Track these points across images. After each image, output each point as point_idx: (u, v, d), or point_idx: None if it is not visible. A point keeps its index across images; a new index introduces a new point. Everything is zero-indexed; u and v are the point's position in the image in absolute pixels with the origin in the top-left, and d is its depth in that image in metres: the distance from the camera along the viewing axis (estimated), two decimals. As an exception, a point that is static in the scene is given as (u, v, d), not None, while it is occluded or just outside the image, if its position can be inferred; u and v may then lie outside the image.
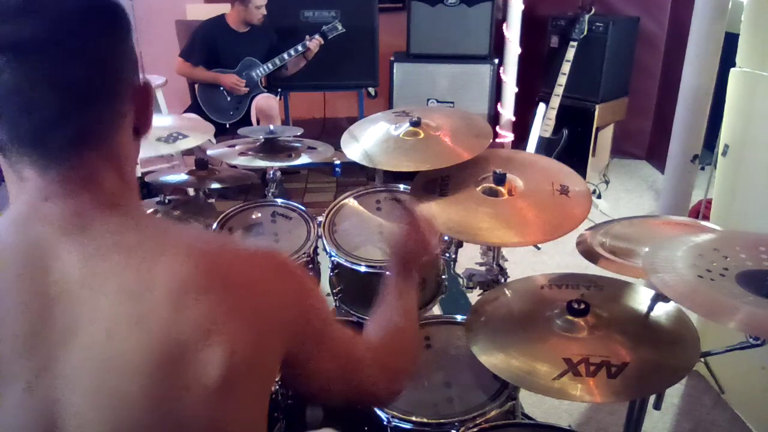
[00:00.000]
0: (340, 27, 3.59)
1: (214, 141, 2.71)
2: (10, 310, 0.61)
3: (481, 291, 1.55)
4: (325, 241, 1.72)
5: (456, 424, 1.21)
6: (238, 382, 0.64)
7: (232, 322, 0.64)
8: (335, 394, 0.86)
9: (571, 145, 3.70)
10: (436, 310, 1.80)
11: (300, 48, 3.55)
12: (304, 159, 2.01)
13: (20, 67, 0.61)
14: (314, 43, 3.54)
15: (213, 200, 2.03)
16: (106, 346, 0.61)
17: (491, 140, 1.57)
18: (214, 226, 1.83)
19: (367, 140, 1.66)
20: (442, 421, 1.23)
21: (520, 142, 3.86)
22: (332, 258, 1.70)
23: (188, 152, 3.50)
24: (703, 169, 3.09)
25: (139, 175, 3.28)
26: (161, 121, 2.04)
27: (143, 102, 0.72)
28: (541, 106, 3.77)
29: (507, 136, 3.84)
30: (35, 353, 0.60)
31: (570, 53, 3.58)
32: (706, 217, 2.32)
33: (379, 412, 1.26)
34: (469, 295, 1.72)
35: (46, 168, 0.64)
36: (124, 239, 0.65)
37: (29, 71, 0.61)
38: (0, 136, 0.63)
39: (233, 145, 2.07)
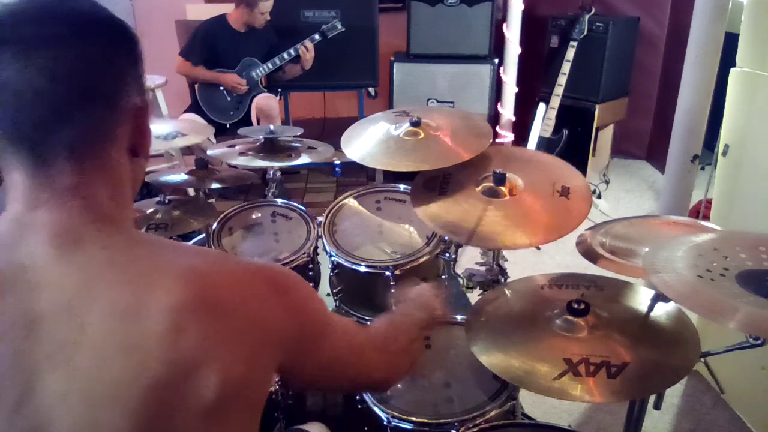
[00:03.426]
0: (339, 26, 3.59)
1: (214, 141, 2.71)
2: None
3: (481, 291, 1.55)
4: (325, 241, 1.72)
5: (456, 424, 1.21)
6: (232, 402, 0.63)
7: (225, 346, 0.63)
8: (339, 387, 0.91)
9: (571, 145, 3.70)
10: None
11: (292, 52, 3.53)
12: (304, 159, 2.01)
13: (28, 64, 0.61)
14: (306, 47, 3.51)
15: (213, 200, 2.03)
16: (94, 370, 0.59)
17: (491, 140, 1.57)
18: (214, 226, 1.83)
19: (367, 140, 1.66)
20: (442, 421, 1.23)
21: (520, 142, 3.86)
22: (332, 258, 1.70)
23: (188, 152, 3.51)
24: (703, 169, 3.08)
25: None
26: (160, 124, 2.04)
27: (140, 123, 0.71)
28: (541, 106, 3.77)
29: (507, 136, 3.85)
30: (21, 376, 0.59)
31: (570, 53, 3.58)
32: (706, 217, 2.32)
33: (379, 413, 1.26)
34: (469, 295, 1.72)
35: (37, 170, 0.64)
36: (116, 256, 0.64)
37: (35, 69, 0.61)
38: None
39: (233, 145, 2.07)
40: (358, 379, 0.91)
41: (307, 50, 3.51)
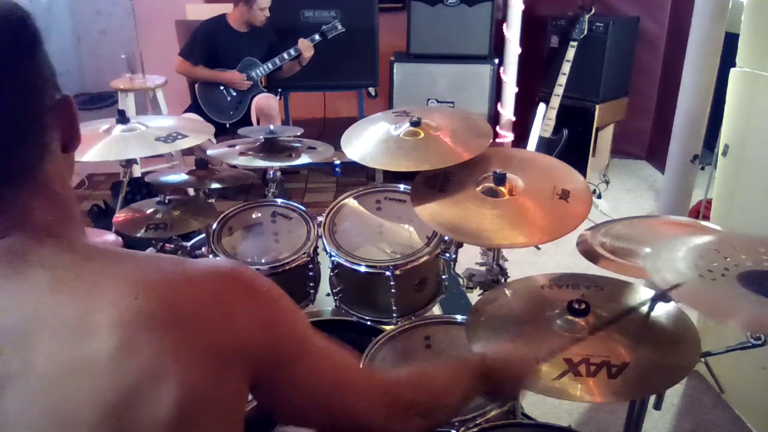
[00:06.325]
0: (339, 26, 3.59)
1: (214, 141, 2.71)
2: None
3: (482, 291, 1.55)
4: (325, 241, 1.72)
5: (456, 424, 1.21)
6: (198, 417, 0.60)
7: (182, 359, 0.58)
8: (319, 420, 0.76)
9: (571, 145, 3.70)
10: (436, 310, 1.80)
11: (292, 52, 3.54)
12: (304, 159, 2.01)
13: None
14: (305, 45, 3.52)
15: (213, 200, 2.03)
16: (45, 398, 0.56)
17: (491, 140, 1.57)
18: (214, 226, 1.83)
19: (367, 140, 1.66)
20: (442, 421, 1.23)
21: (520, 142, 3.86)
22: (332, 258, 1.70)
23: (188, 152, 3.51)
24: (703, 169, 3.09)
25: (139, 174, 3.29)
26: (161, 122, 2.04)
27: (68, 117, 0.66)
28: (541, 106, 3.77)
29: (507, 136, 3.85)
30: None
31: (570, 53, 3.58)
32: (706, 217, 2.32)
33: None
34: (469, 295, 1.72)
35: None
36: (61, 274, 0.60)
37: None
38: None
39: (233, 145, 2.07)
40: (348, 419, 0.77)
41: (309, 45, 3.53)
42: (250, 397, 0.69)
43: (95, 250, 0.65)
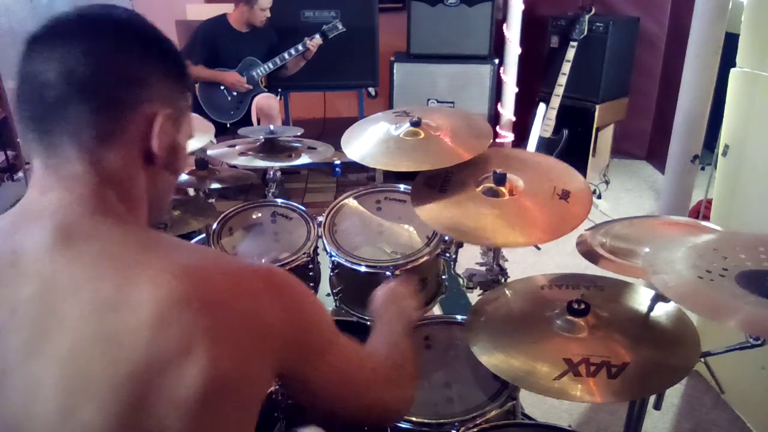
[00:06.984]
0: (340, 26, 3.60)
1: (214, 141, 2.71)
2: None
3: (482, 291, 1.55)
4: (325, 241, 1.72)
5: (456, 424, 1.21)
6: (219, 399, 0.62)
7: (211, 342, 0.61)
8: (345, 413, 0.84)
9: (571, 145, 3.70)
10: (436, 310, 1.80)
11: (300, 48, 3.56)
12: (304, 159, 2.01)
13: (46, 56, 0.66)
14: (314, 43, 3.55)
15: (213, 200, 2.03)
16: (69, 361, 0.59)
17: (491, 140, 1.57)
18: (214, 226, 1.83)
19: (367, 140, 1.66)
20: (442, 421, 1.23)
21: (520, 142, 3.87)
22: (332, 258, 1.70)
23: (188, 152, 3.50)
24: (703, 169, 3.09)
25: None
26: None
27: (148, 130, 0.71)
28: (542, 106, 3.77)
29: (507, 136, 3.85)
30: (5, 363, 0.60)
31: (570, 53, 3.58)
32: (706, 218, 2.32)
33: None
34: (469, 295, 1.72)
35: (47, 157, 0.67)
36: (109, 247, 0.64)
37: (51, 60, 0.66)
38: (21, 119, 0.68)
39: (233, 145, 2.07)
40: (366, 406, 0.86)
41: (319, 42, 3.57)
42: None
43: (147, 234, 0.71)
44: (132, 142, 0.70)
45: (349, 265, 1.66)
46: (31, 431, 0.59)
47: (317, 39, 3.56)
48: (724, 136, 2.00)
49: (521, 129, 3.89)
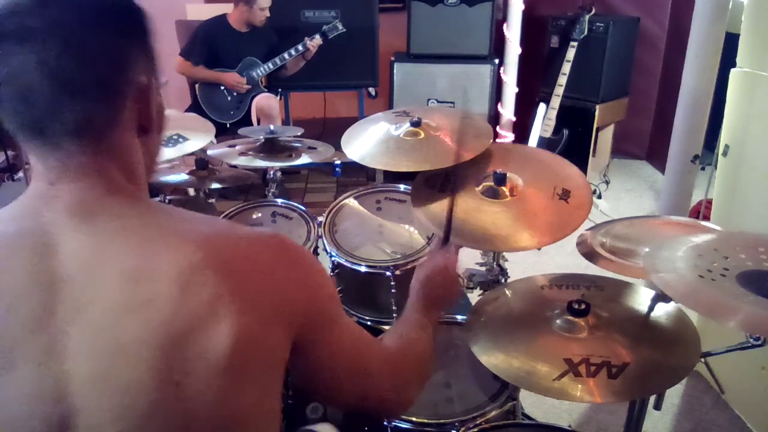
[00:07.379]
0: (340, 27, 3.59)
1: (214, 141, 2.71)
2: (20, 293, 0.63)
3: (482, 291, 1.55)
4: (325, 241, 1.72)
5: (456, 424, 1.21)
6: (245, 362, 0.65)
7: (236, 303, 0.64)
8: (344, 396, 0.85)
9: (571, 145, 3.70)
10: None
11: (300, 48, 3.56)
12: (304, 159, 2.01)
13: (22, 56, 0.63)
14: (314, 43, 3.56)
15: (213, 200, 2.03)
16: (111, 327, 0.62)
17: (491, 140, 1.57)
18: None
19: (368, 140, 1.66)
20: (442, 421, 1.23)
21: (520, 142, 3.87)
22: (333, 258, 1.70)
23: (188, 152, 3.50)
24: (703, 169, 3.09)
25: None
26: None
27: (144, 100, 0.72)
28: (542, 106, 3.77)
29: (507, 136, 3.85)
30: (45, 331, 0.62)
31: (570, 53, 3.58)
32: (707, 218, 2.32)
33: (379, 412, 1.26)
34: (469, 295, 1.72)
35: (47, 155, 0.67)
36: (128, 223, 0.67)
37: (30, 60, 0.63)
38: (7, 125, 0.66)
39: (233, 145, 2.07)
40: (365, 391, 0.86)
41: (319, 43, 3.56)
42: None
43: (158, 206, 0.73)
44: (128, 119, 0.71)
45: (349, 265, 1.66)
46: (69, 395, 0.61)
47: (317, 39, 3.57)
48: (724, 136, 2.00)
49: (521, 129, 3.89)
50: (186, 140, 1.84)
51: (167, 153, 1.82)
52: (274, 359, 0.70)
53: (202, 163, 2.00)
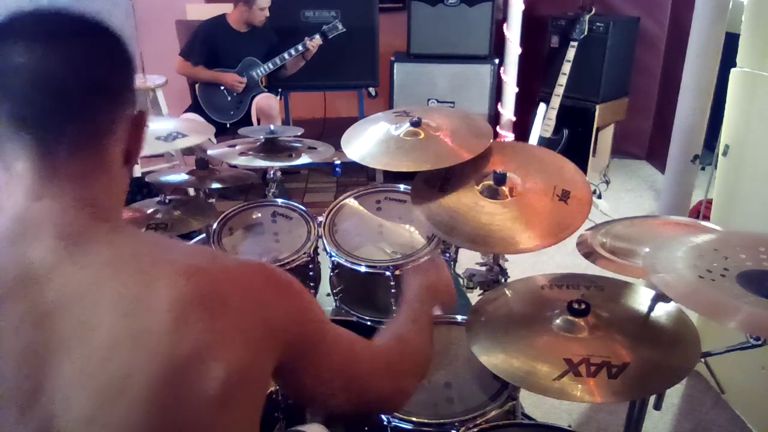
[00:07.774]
0: (340, 27, 3.59)
1: (214, 141, 2.71)
2: (4, 328, 0.60)
3: (482, 291, 1.55)
4: (325, 241, 1.72)
5: (456, 424, 1.21)
6: (236, 393, 0.65)
7: (228, 338, 0.65)
8: (342, 403, 0.85)
9: (571, 145, 3.70)
10: (437, 310, 1.80)
11: (300, 48, 3.56)
12: (304, 159, 2.01)
13: (39, 55, 0.64)
14: (314, 43, 3.55)
15: (213, 200, 2.03)
16: (100, 364, 0.60)
17: (491, 140, 1.57)
18: (215, 226, 1.83)
19: (368, 140, 1.66)
20: (442, 421, 1.23)
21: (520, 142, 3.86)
22: (332, 258, 1.70)
23: (188, 152, 3.51)
24: (703, 169, 3.08)
25: (139, 174, 3.29)
26: (162, 123, 2.04)
27: (137, 132, 0.74)
28: (542, 106, 3.77)
29: (507, 136, 3.85)
30: (30, 371, 0.60)
31: (570, 53, 3.58)
32: (707, 218, 2.32)
33: (379, 412, 1.26)
34: (469, 295, 1.72)
35: (40, 160, 0.65)
36: (120, 254, 0.66)
37: (47, 60, 0.64)
38: (12, 112, 0.65)
39: (233, 145, 2.07)
40: (361, 394, 0.87)
41: (319, 43, 3.56)
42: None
43: (147, 236, 0.75)
44: (120, 141, 0.72)
45: (349, 265, 1.66)
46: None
47: (317, 39, 3.57)
48: (724, 136, 2.00)
49: (521, 129, 3.89)
50: (185, 136, 1.84)
51: (165, 147, 1.82)
52: (261, 385, 0.71)
53: (202, 163, 2.00)
